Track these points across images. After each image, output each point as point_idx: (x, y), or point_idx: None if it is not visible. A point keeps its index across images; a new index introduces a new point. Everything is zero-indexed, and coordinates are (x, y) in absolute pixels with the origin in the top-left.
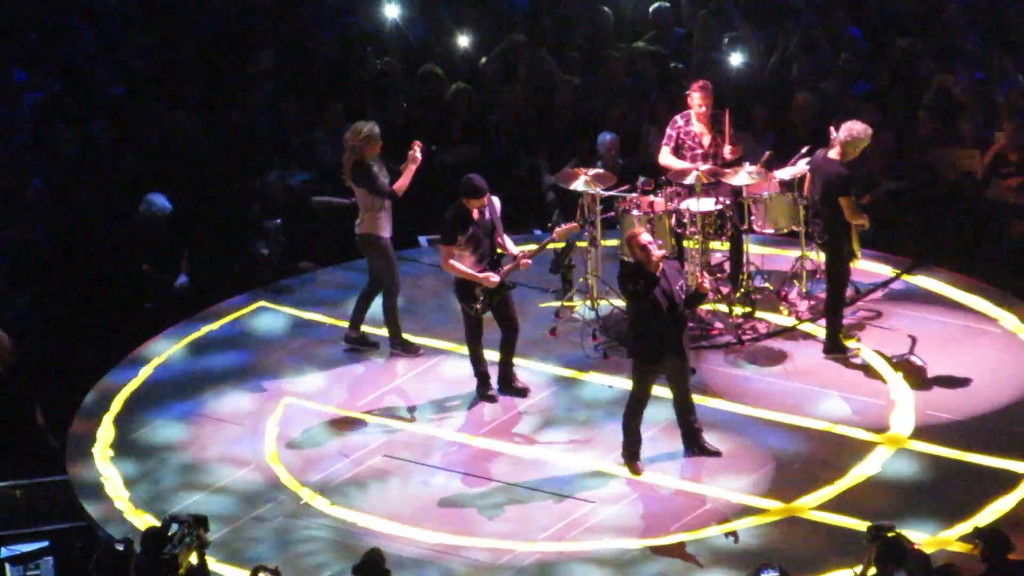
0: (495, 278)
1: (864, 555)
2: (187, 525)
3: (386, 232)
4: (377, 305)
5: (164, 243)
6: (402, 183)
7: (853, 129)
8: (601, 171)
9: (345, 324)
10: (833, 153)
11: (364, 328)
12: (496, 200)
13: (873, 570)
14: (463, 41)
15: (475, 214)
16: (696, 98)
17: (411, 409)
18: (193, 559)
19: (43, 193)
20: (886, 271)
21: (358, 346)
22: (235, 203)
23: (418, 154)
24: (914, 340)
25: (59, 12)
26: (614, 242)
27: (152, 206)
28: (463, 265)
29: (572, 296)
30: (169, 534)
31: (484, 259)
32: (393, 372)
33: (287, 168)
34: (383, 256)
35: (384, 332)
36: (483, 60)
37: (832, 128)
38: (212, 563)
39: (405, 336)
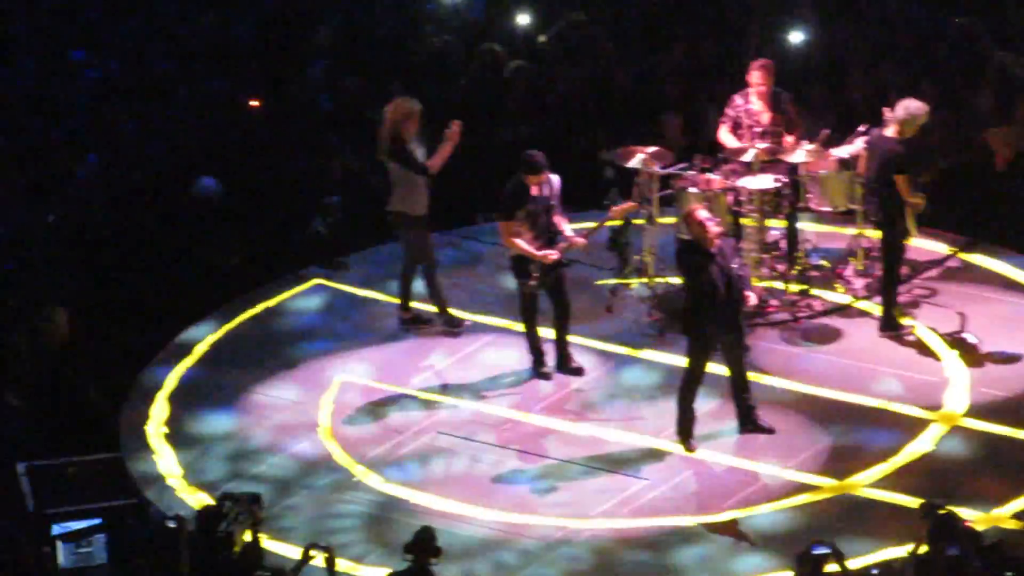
0: (553, 255)
1: (917, 532)
2: (241, 503)
3: (420, 210)
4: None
5: (215, 223)
6: (435, 161)
7: (910, 107)
8: (658, 149)
9: (398, 300)
10: (890, 131)
11: (414, 304)
12: (556, 178)
13: (925, 547)
14: (522, 19)
15: (534, 190)
16: (756, 76)
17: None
18: (248, 536)
19: (97, 170)
20: (942, 249)
21: (412, 324)
22: (294, 180)
23: (455, 132)
24: (964, 317)
25: None
26: (671, 220)
27: (202, 188)
28: (522, 241)
29: (629, 274)
30: (223, 512)
31: (541, 236)
32: (448, 349)
33: (346, 146)
34: (417, 234)
35: (433, 306)
36: (542, 38)
37: (886, 108)
38: (265, 539)
39: (450, 311)
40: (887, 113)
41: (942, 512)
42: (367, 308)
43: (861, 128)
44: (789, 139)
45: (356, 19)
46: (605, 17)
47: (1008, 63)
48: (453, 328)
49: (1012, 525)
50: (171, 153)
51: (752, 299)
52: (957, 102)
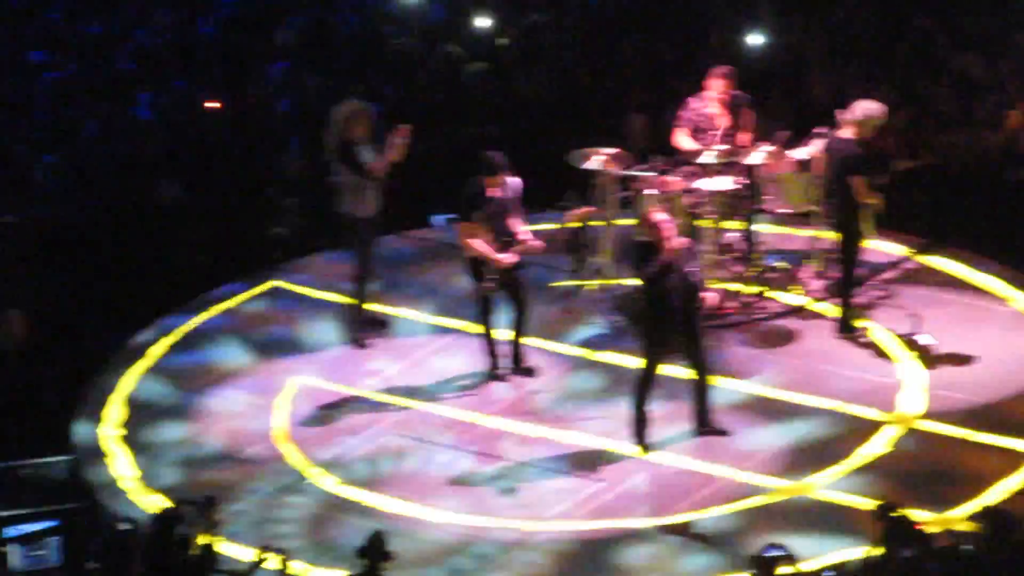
0: (509, 259)
1: (871, 534)
2: (197, 506)
3: (365, 212)
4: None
5: (175, 225)
6: (378, 164)
7: (867, 108)
8: (617, 151)
9: (352, 302)
10: (847, 133)
11: (371, 306)
12: (516, 180)
13: (880, 549)
14: (482, 21)
15: (492, 192)
16: (719, 85)
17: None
18: (203, 540)
19: (54, 171)
20: (900, 251)
21: (368, 327)
22: (253, 182)
23: (401, 138)
24: (920, 319)
25: None
26: (629, 222)
27: (162, 191)
28: (478, 243)
29: (586, 276)
30: (179, 515)
31: (499, 238)
32: (404, 351)
33: (305, 147)
34: (359, 237)
35: (390, 308)
36: (502, 40)
37: (838, 111)
38: (220, 543)
39: (373, 315)
40: (841, 114)
41: (896, 514)
42: (324, 310)
43: (818, 130)
44: (742, 136)
45: (317, 20)
46: (565, 19)
47: (967, 64)
48: (376, 330)
49: (966, 527)
50: (131, 154)
51: (711, 299)
52: (916, 103)
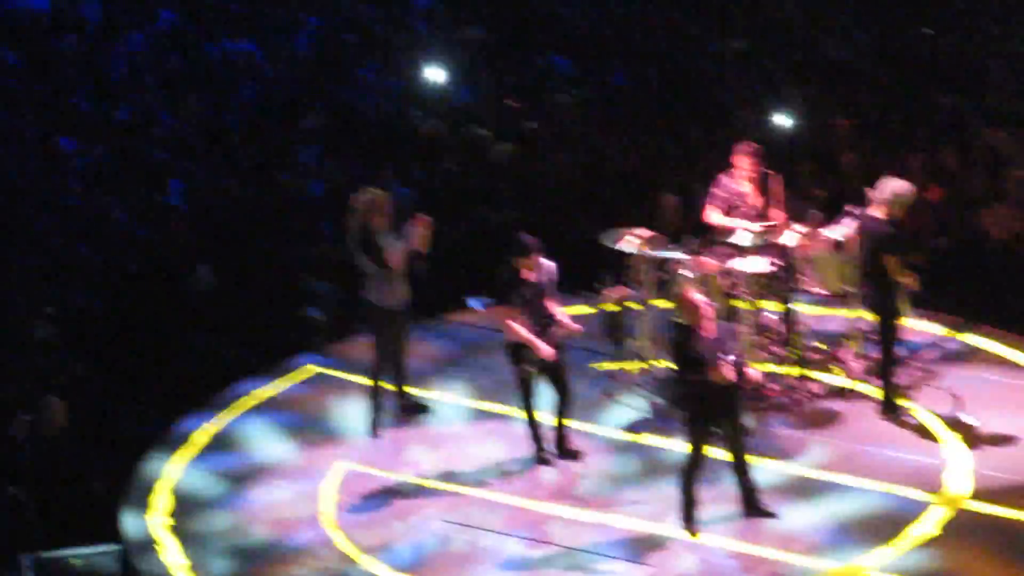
0: (548, 350)
1: None
2: None
3: (386, 302)
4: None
5: (210, 311)
6: (397, 254)
7: (896, 186)
8: (651, 232)
9: (394, 387)
10: (878, 212)
11: (412, 391)
12: (551, 263)
13: None
14: (509, 103)
15: (527, 274)
16: (746, 163)
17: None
18: None
19: (91, 259)
20: (938, 330)
21: (411, 412)
22: (286, 267)
23: (420, 227)
24: (962, 398)
25: (107, 77)
26: (666, 303)
27: (197, 278)
28: (518, 326)
29: (626, 358)
30: None
31: (536, 321)
32: (449, 436)
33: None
34: (377, 326)
35: (429, 393)
36: (530, 123)
37: (868, 189)
38: None
39: (414, 400)
40: (870, 193)
41: None
42: (363, 395)
43: (849, 208)
44: (774, 212)
45: (344, 104)
46: (593, 99)
47: (997, 141)
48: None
49: None
50: (165, 240)
51: (755, 376)
52: (947, 181)
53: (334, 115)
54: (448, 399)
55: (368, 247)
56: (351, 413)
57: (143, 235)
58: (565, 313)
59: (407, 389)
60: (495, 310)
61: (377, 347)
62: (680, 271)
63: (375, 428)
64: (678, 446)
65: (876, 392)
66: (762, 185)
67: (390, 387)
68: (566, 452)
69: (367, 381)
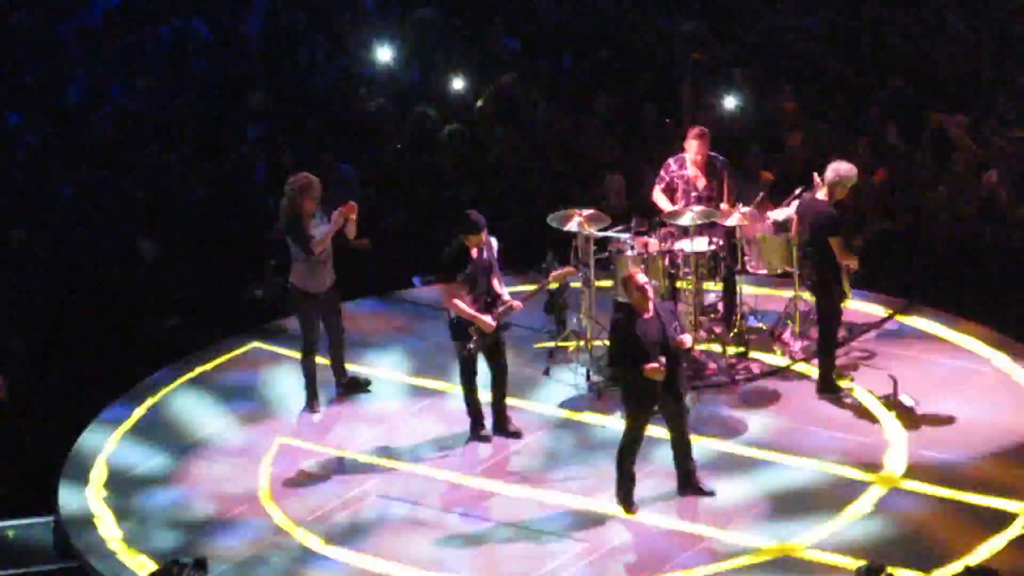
0: (492, 323)
1: None
2: (189, 568)
3: (313, 287)
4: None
5: (153, 287)
6: (320, 239)
7: (839, 169)
8: (594, 211)
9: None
10: (821, 194)
11: (352, 368)
12: (495, 241)
13: None
14: (457, 83)
15: (474, 252)
16: (694, 145)
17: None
18: None
19: (33, 235)
20: (878, 311)
21: (349, 389)
22: (230, 245)
23: (344, 214)
24: (899, 380)
25: (55, 56)
26: (608, 283)
27: (142, 250)
28: (462, 303)
29: (566, 337)
30: None
31: (480, 298)
32: (387, 412)
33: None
34: (305, 311)
35: (371, 370)
36: (477, 102)
37: (816, 173)
38: None
39: (317, 398)
40: (816, 177)
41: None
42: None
43: (796, 191)
44: (724, 205)
45: (291, 84)
46: (539, 79)
47: (944, 123)
48: (312, 411)
49: None
50: (109, 217)
51: (687, 341)
52: (893, 164)
53: (282, 94)
54: (389, 375)
55: (296, 232)
56: (291, 389)
57: (88, 212)
58: (507, 290)
59: (346, 366)
60: (440, 286)
61: (304, 330)
62: (624, 251)
63: (311, 405)
64: (616, 424)
65: (815, 372)
66: (709, 167)
67: (326, 361)
68: (504, 430)
69: (303, 358)
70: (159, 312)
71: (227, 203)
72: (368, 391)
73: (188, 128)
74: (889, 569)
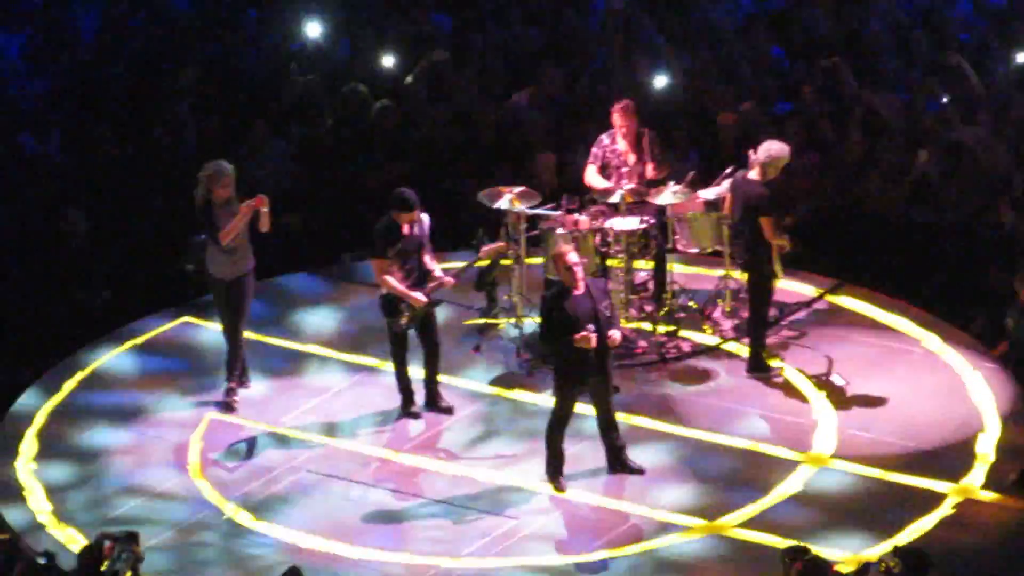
0: (423, 298)
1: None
2: (121, 541)
3: (222, 275)
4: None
5: (82, 260)
6: (226, 232)
7: (771, 149)
8: (525, 189)
9: (269, 340)
10: (753, 173)
11: (280, 343)
12: (426, 217)
13: None
14: (387, 60)
15: (405, 229)
16: (616, 119)
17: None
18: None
19: None
20: (809, 291)
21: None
22: (161, 220)
23: (251, 206)
24: (831, 361)
25: None
26: (538, 260)
27: (68, 223)
28: (393, 280)
29: (497, 314)
30: (104, 551)
31: (411, 275)
32: (318, 388)
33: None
34: (217, 297)
35: (303, 346)
36: (408, 79)
37: (752, 150)
38: None
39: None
40: (751, 155)
41: (808, 557)
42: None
43: (727, 170)
44: (649, 169)
45: (220, 59)
46: (470, 57)
47: (875, 104)
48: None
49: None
50: (37, 189)
51: (616, 338)
52: (824, 144)
53: (211, 70)
54: (321, 351)
55: (206, 220)
56: (222, 364)
57: (14, 183)
58: (439, 267)
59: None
60: (371, 262)
61: (225, 317)
62: (554, 229)
63: (230, 383)
64: (546, 401)
65: (745, 351)
66: (639, 144)
67: (267, 338)
68: (436, 406)
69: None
70: (89, 286)
71: (157, 177)
72: (247, 387)
73: (118, 101)
74: (815, 551)
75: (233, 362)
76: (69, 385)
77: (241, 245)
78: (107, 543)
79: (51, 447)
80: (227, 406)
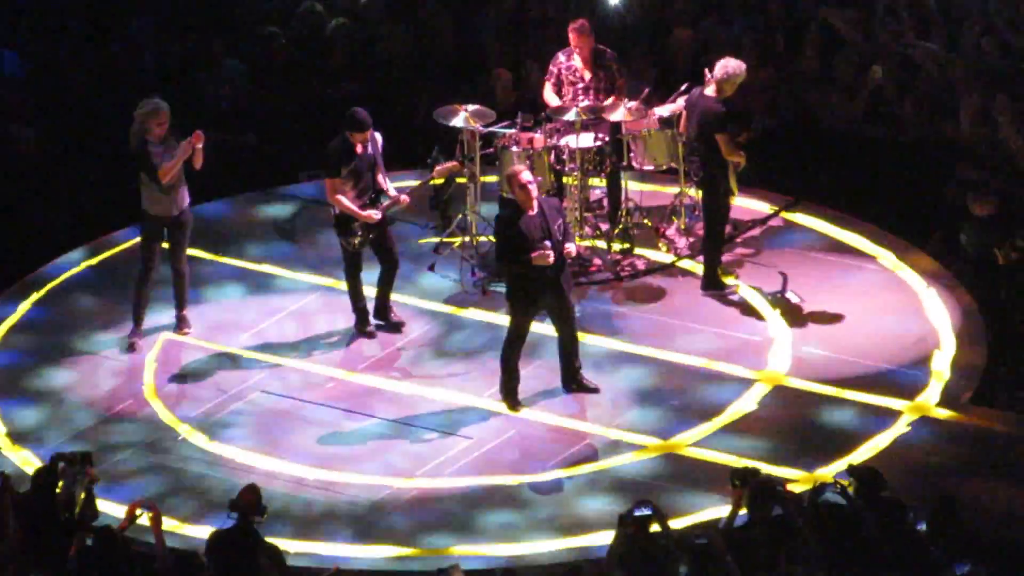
0: (377, 215)
1: (731, 499)
2: (75, 462)
3: (160, 211)
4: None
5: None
6: (169, 167)
7: (728, 66)
8: (480, 107)
9: (224, 260)
10: (709, 90)
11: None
12: (379, 136)
13: (744, 511)
14: None
15: (358, 148)
16: (572, 38)
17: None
18: (82, 496)
19: None
20: (765, 208)
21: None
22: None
23: (191, 143)
24: (786, 277)
25: None
26: (493, 178)
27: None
28: (345, 199)
29: (451, 232)
30: (58, 471)
31: (365, 194)
32: (271, 308)
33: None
34: (146, 236)
35: (257, 266)
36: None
37: (707, 69)
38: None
39: (139, 327)
40: (707, 73)
41: (758, 478)
42: (192, 267)
43: (683, 87)
44: (610, 97)
45: None
46: None
47: (831, 19)
48: (130, 346)
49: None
50: None
51: (572, 251)
52: (779, 60)
53: None
54: (275, 271)
55: (142, 159)
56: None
57: None
58: (393, 186)
59: (183, 302)
60: (324, 182)
61: (143, 254)
62: (508, 147)
63: (134, 333)
64: (501, 320)
65: (701, 269)
66: (596, 59)
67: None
68: (389, 323)
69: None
70: (46, 205)
71: (113, 95)
72: (186, 335)
73: (74, 20)
74: (764, 472)
75: (180, 295)
76: (25, 306)
77: (179, 182)
78: (61, 464)
79: (6, 368)
80: (179, 331)
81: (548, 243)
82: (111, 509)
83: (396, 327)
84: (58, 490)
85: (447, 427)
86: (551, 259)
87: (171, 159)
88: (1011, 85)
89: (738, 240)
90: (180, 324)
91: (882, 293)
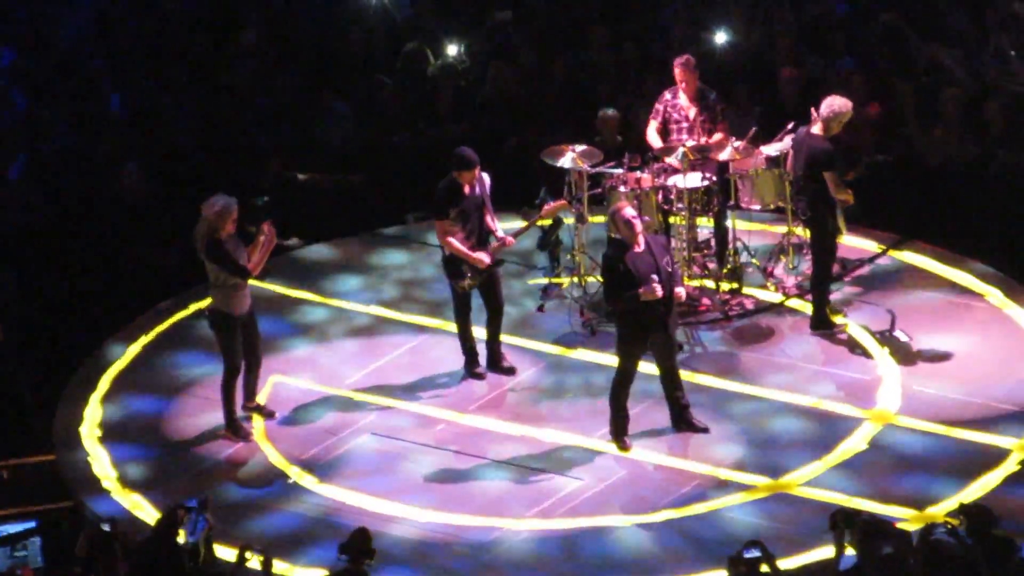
0: (486, 259)
1: (834, 541)
2: (195, 511)
3: (239, 309)
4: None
5: (148, 223)
6: (257, 261)
7: (834, 104)
8: (588, 147)
9: (332, 302)
10: (816, 128)
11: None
12: (486, 177)
13: (851, 551)
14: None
15: (466, 188)
16: (678, 73)
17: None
18: (203, 542)
19: (28, 171)
20: (872, 246)
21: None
22: (227, 181)
23: (270, 235)
24: (894, 315)
25: None
26: (602, 219)
27: (125, 178)
28: (455, 240)
29: (560, 273)
30: (180, 520)
31: (473, 235)
32: (382, 350)
33: (281, 149)
34: (230, 335)
35: (366, 307)
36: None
37: (813, 107)
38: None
39: (239, 420)
40: (813, 111)
41: (864, 517)
42: (298, 308)
43: (789, 125)
44: (716, 136)
45: (281, 20)
46: (533, 16)
47: (937, 57)
48: (239, 438)
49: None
50: (100, 151)
51: (681, 295)
52: (886, 98)
53: (272, 30)
54: (383, 312)
55: (222, 257)
56: (284, 326)
57: (78, 147)
58: (501, 226)
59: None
60: (434, 223)
61: (226, 354)
62: (616, 187)
63: (235, 431)
64: (610, 360)
65: (809, 308)
66: (701, 98)
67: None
68: (498, 367)
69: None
70: (153, 247)
71: (218, 138)
72: (273, 418)
73: (179, 64)
74: (876, 509)
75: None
76: (135, 349)
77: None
78: (180, 512)
79: (117, 412)
80: (240, 433)
81: (656, 278)
82: (223, 553)
83: (507, 371)
84: (179, 538)
85: (557, 468)
86: (659, 292)
87: (243, 254)
88: None
89: (846, 279)
90: (262, 409)
91: (991, 331)
